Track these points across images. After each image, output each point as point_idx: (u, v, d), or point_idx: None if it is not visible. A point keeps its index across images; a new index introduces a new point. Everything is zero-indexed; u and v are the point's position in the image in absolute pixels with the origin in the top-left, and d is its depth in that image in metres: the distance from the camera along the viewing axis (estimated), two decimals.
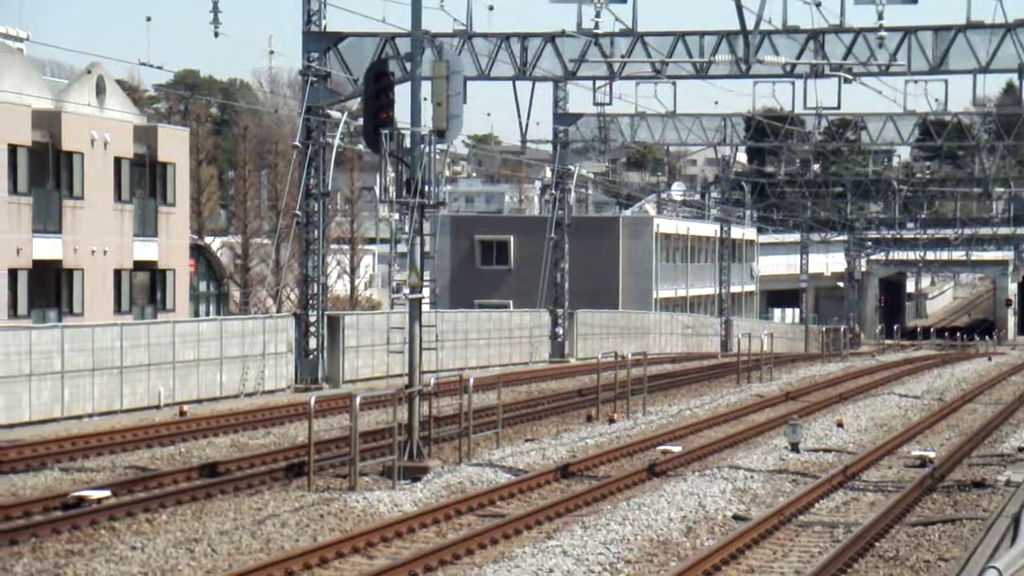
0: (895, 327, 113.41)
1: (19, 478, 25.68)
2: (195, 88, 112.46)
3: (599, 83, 51.35)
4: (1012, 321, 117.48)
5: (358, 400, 25.26)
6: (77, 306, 50.50)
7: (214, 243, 74.00)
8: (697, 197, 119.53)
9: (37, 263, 48.70)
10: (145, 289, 55.22)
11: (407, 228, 26.91)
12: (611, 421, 36.33)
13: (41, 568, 18.40)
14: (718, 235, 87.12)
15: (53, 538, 20.46)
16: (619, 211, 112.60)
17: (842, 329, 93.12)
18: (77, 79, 55.92)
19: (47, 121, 49.34)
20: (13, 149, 47.78)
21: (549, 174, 68.47)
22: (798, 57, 43.29)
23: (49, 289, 50.01)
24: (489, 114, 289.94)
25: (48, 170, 49.68)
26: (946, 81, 50.36)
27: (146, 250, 54.33)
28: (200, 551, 19.38)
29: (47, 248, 49.28)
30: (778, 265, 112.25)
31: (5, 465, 26.71)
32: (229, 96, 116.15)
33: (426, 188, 26.85)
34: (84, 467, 27.23)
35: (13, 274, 47.86)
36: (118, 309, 52.25)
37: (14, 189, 47.91)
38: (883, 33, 41.85)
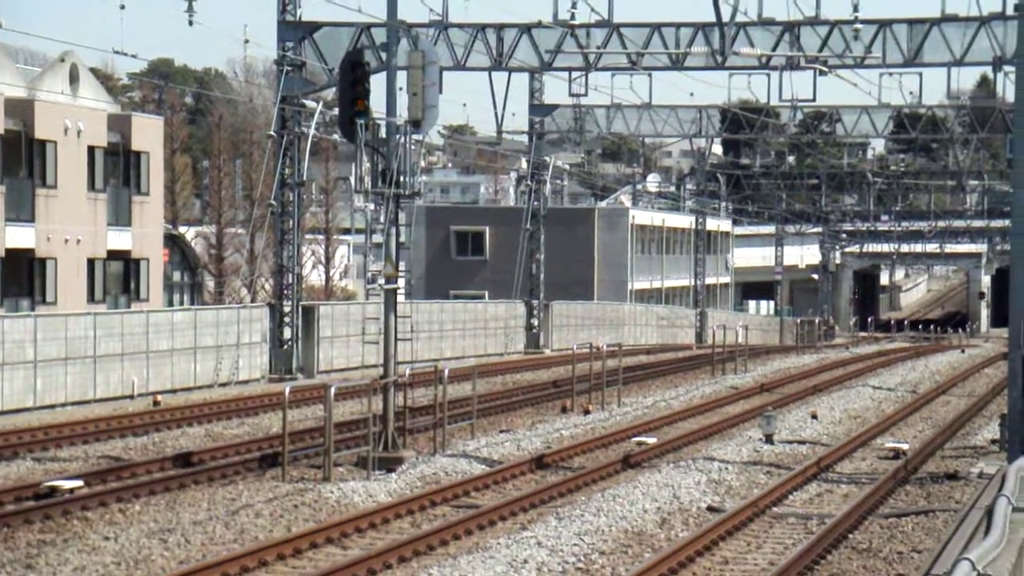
0: (869, 319, 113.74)
1: None
2: (169, 77, 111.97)
3: (575, 74, 51.33)
4: (985, 314, 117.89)
5: (333, 390, 25.21)
6: (50, 295, 50.25)
7: (188, 233, 73.73)
8: (672, 189, 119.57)
9: (10, 252, 48.44)
10: (119, 278, 54.99)
11: (382, 218, 26.87)
12: (586, 412, 36.33)
13: (13, 558, 18.31)
14: (693, 227, 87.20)
15: (25, 528, 20.37)
16: (594, 202, 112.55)
17: (816, 321, 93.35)
18: (50, 67, 55.60)
19: (20, 109, 49.06)
20: None
21: (525, 165, 68.46)
22: (773, 49, 43.34)
23: (22, 278, 49.75)
24: (465, 104, 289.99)
25: (21, 158, 49.40)
26: (921, 74, 50.64)
27: (120, 239, 54.11)
28: (174, 541, 19.32)
29: (20, 237, 49.03)
30: (753, 257, 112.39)
31: None
32: (204, 85, 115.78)
33: (401, 178, 26.82)
34: (57, 457, 27.12)
35: None
36: (91, 298, 52.02)
37: None
38: (858, 26, 41.95)
